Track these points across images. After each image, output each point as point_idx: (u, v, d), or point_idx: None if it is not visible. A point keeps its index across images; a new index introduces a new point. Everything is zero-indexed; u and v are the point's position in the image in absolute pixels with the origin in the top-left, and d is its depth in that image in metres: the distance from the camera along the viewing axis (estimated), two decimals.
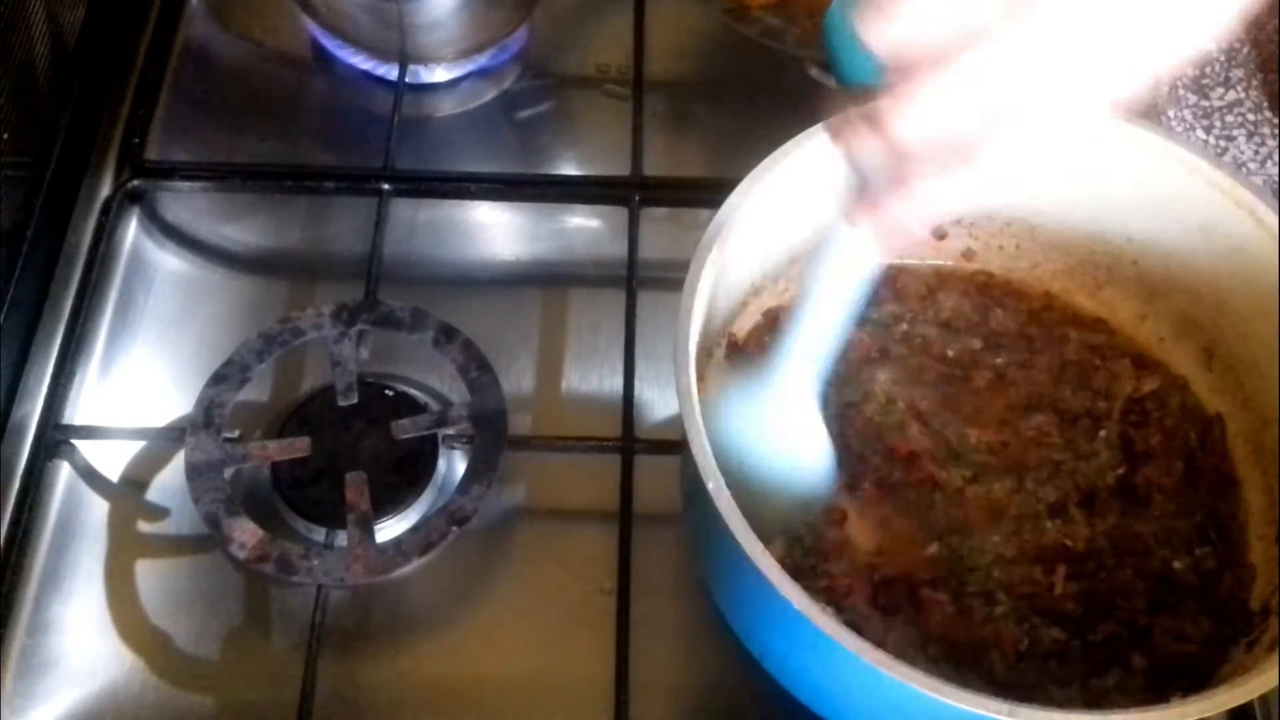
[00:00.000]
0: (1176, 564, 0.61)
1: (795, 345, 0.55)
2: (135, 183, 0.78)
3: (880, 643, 0.49)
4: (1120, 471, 0.64)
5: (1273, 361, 0.62)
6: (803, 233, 0.66)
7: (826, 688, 0.56)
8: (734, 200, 0.59)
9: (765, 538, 0.50)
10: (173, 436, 0.68)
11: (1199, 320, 0.67)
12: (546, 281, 0.78)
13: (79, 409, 0.71)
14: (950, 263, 0.71)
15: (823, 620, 0.49)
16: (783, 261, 0.67)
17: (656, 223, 0.77)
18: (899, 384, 0.65)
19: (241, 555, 0.62)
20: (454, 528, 0.63)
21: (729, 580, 0.58)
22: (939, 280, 0.70)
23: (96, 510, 0.68)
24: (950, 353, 0.67)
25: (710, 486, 0.51)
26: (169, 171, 0.79)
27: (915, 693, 0.47)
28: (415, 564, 0.62)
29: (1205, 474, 0.64)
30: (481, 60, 0.85)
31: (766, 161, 0.60)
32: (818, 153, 0.61)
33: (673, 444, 0.65)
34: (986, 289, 0.70)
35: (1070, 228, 0.69)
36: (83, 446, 0.69)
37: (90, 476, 0.69)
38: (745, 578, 0.51)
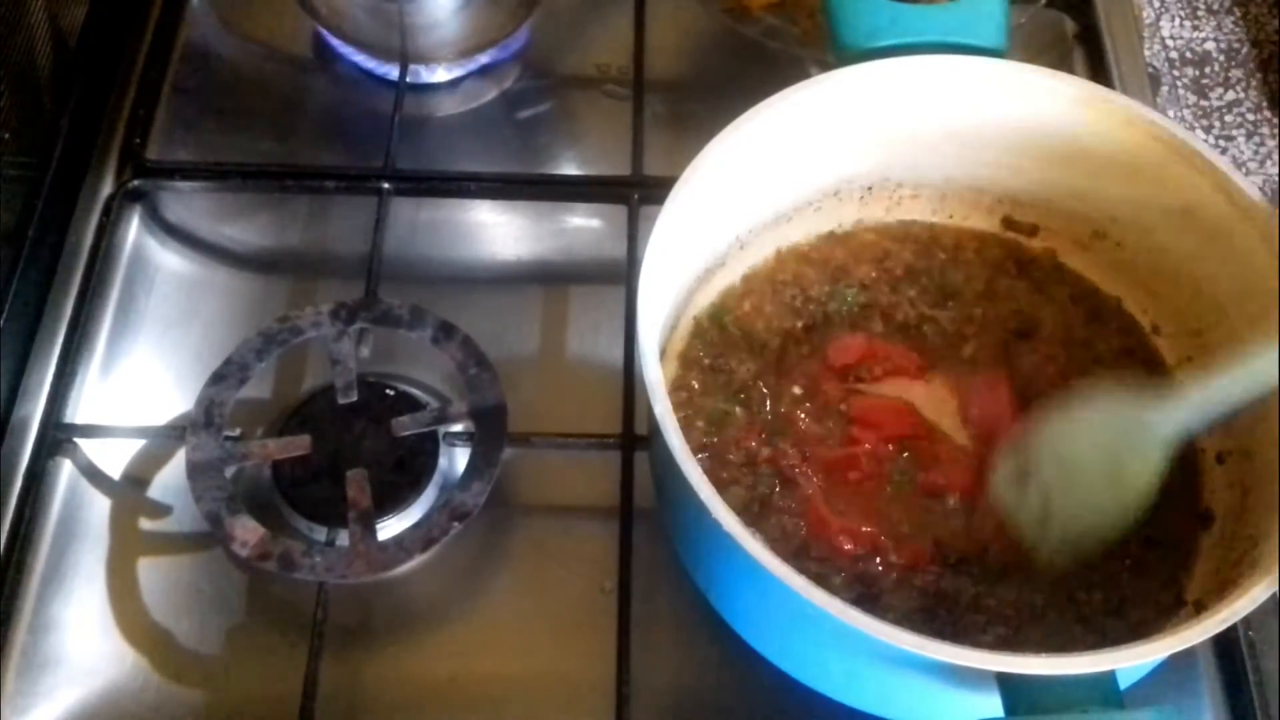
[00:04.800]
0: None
1: None
2: (136, 182, 0.78)
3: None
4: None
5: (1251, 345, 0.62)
6: (746, 212, 0.68)
7: (797, 648, 0.57)
8: (678, 188, 0.60)
9: None
10: (174, 435, 0.68)
11: (1180, 304, 0.67)
12: (547, 280, 0.78)
13: (80, 408, 0.71)
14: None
15: (790, 576, 0.50)
16: (732, 243, 0.69)
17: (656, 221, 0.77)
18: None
19: (243, 553, 0.62)
20: (455, 524, 0.63)
21: (705, 554, 0.59)
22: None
23: (98, 509, 0.68)
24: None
25: (679, 460, 0.52)
26: (170, 171, 0.79)
27: (902, 652, 0.48)
28: (417, 560, 0.62)
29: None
30: (482, 60, 0.85)
31: (703, 151, 0.61)
32: (752, 138, 0.62)
33: None
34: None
35: (1056, 206, 0.69)
36: (84, 445, 0.69)
37: (92, 475, 0.69)
38: (720, 550, 0.52)
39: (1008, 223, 0.72)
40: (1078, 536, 0.58)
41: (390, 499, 0.66)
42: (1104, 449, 0.58)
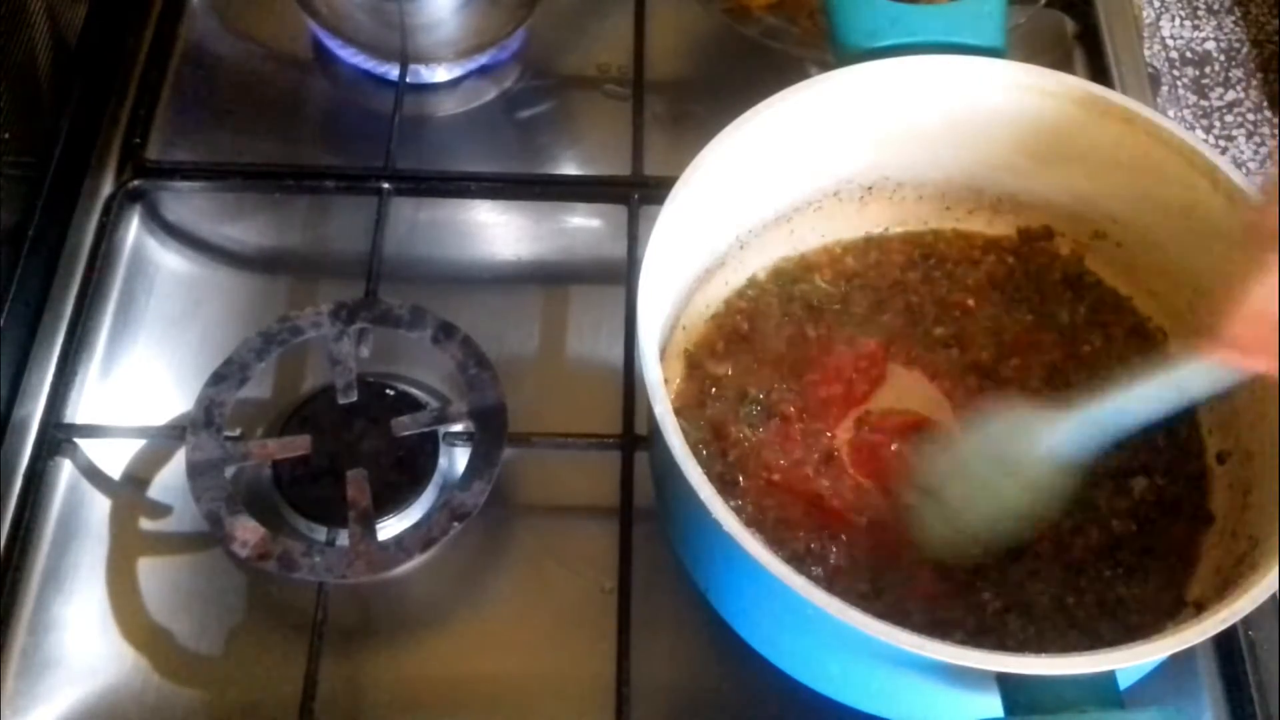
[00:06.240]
0: (1117, 524, 0.62)
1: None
2: (136, 182, 0.78)
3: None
4: None
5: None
6: (746, 212, 0.68)
7: (800, 649, 0.58)
8: (678, 188, 0.60)
9: None
10: (174, 435, 0.68)
11: (1180, 304, 0.67)
12: (547, 280, 0.78)
13: (80, 408, 0.71)
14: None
15: (798, 582, 0.50)
16: (733, 244, 0.69)
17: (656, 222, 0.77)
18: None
19: (243, 553, 0.62)
20: (455, 524, 0.63)
21: (705, 554, 0.59)
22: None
23: (98, 509, 0.68)
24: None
25: (679, 460, 0.52)
26: (170, 171, 0.79)
27: (901, 652, 0.48)
28: (417, 560, 0.62)
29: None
30: (482, 60, 0.85)
31: (703, 151, 0.61)
32: (751, 138, 0.62)
33: None
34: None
35: (1057, 205, 0.69)
36: (84, 445, 0.69)
37: (92, 475, 0.69)
38: (718, 548, 0.52)
39: (1007, 222, 0.72)
40: (982, 540, 0.60)
41: (390, 499, 0.66)
42: (1004, 462, 0.59)
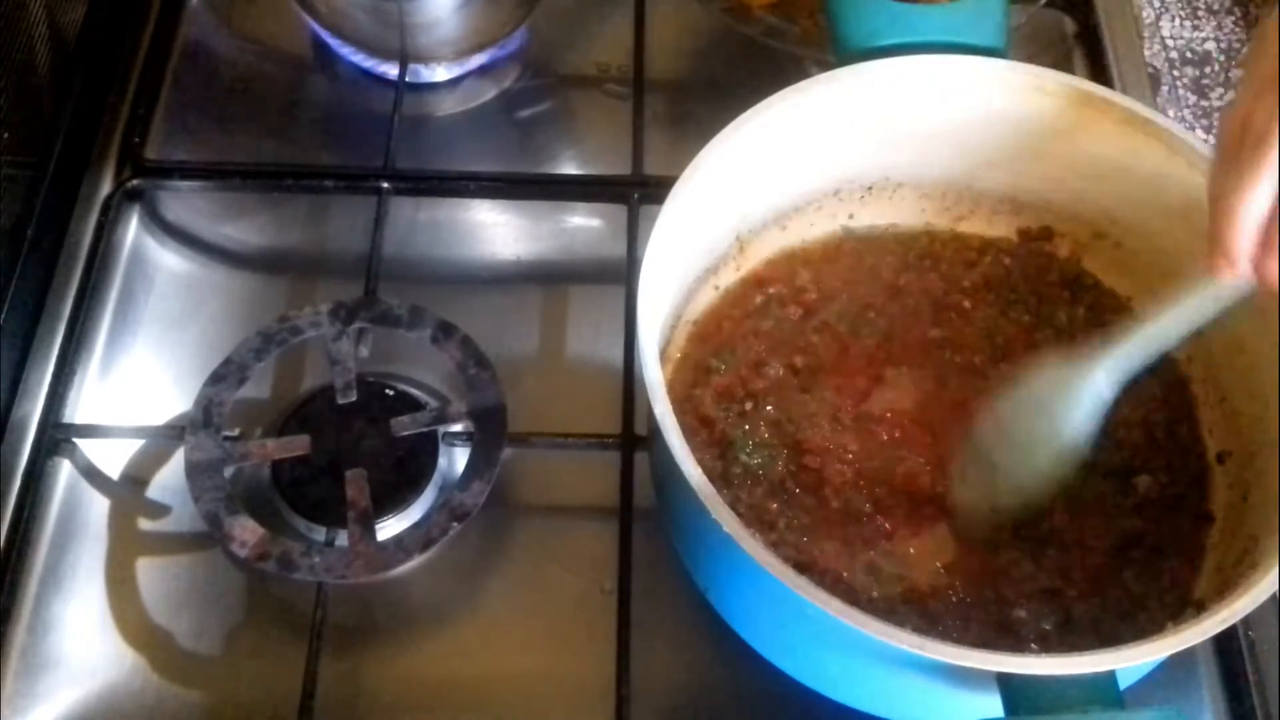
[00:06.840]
0: (1122, 522, 0.62)
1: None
2: (135, 182, 0.78)
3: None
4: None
5: (1251, 348, 0.62)
6: (746, 212, 0.68)
7: (784, 637, 0.58)
8: (678, 188, 0.60)
9: None
10: (173, 435, 0.68)
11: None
12: (546, 280, 0.78)
13: (79, 407, 0.71)
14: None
15: (794, 579, 0.50)
16: (733, 244, 0.69)
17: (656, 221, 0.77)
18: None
19: (242, 553, 0.62)
20: (454, 524, 0.63)
21: (705, 554, 0.59)
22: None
23: (97, 509, 0.68)
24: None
25: (679, 460, 0.52)
26: (169, 171, 0.79)
27: (901, 652, 0.48)
28: (416, 560, 0.62)
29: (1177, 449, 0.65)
30: (481, 59, 0.85)
31: (704, 150, 0.61)
32: (752, 138, 0.62)
33: None
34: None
35: (1057, 205, 0.69)
36: (83, 445, 0.69)
37: (91, 475, 0.69)
38: (718, 548, 0.52)
39: (1007, 222, 0.72)
40: (1022, 498, 0.61)
41: (390, 499, 0.66)
42: (1041, 415, 0.60)
